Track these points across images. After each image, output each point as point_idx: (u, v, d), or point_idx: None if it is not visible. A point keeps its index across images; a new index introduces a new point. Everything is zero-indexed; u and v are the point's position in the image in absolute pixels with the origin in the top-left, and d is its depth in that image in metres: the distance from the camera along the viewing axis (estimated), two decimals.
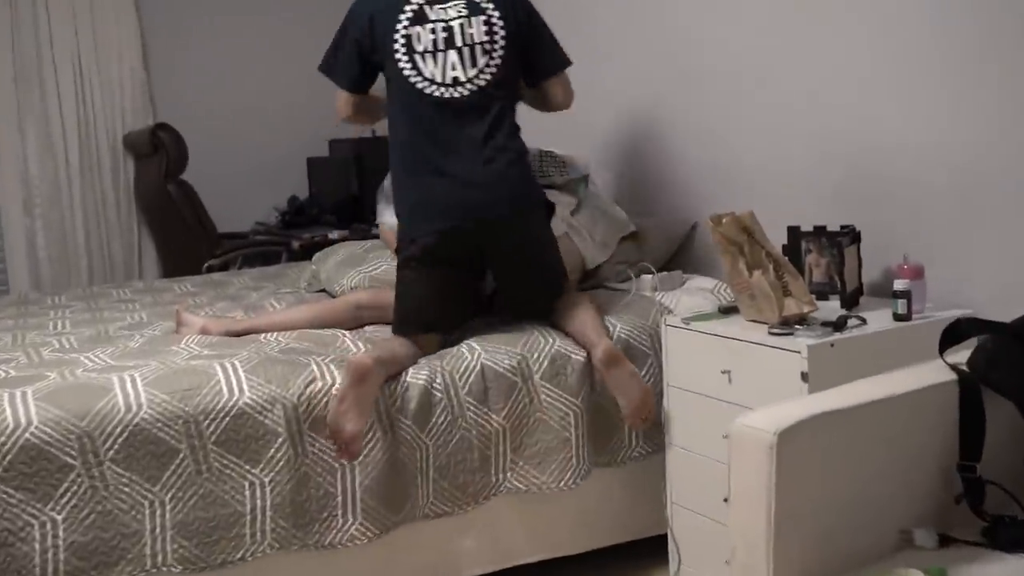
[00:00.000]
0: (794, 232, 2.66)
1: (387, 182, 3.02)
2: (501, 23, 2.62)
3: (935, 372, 1.73)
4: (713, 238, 2.41)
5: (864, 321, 2.32)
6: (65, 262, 4.83)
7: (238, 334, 2.74)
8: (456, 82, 2.57)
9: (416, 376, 2.44)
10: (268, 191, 5.23)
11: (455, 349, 2.57)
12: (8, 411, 2.10)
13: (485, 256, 2.65)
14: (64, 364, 2.42)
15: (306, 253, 4.47)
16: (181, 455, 2.17)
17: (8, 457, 2.06)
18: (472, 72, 2.57)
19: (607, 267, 3.10)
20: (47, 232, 4.78)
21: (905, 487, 1.67)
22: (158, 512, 2.15)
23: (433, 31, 2.57)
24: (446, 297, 2.63)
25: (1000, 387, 1.67)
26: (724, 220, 2.38)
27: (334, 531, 2.31)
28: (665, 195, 3.39)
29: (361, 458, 2.32)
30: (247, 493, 2.22)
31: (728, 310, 2.56)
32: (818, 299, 2.45)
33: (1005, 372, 1.67)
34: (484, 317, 2.75)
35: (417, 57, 2.56)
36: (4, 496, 2.05)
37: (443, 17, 2.59)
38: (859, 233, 2.57)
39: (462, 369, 2.49)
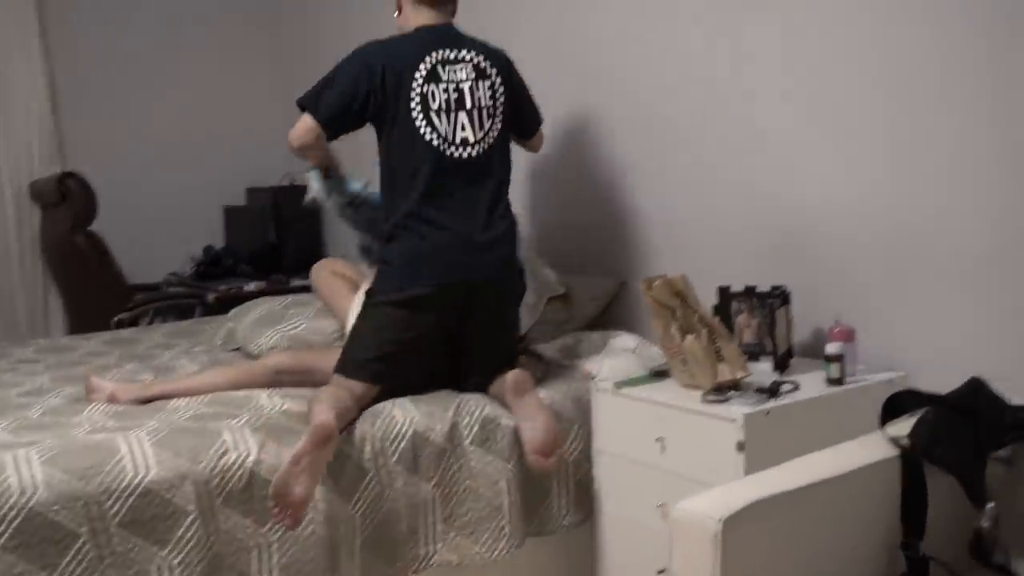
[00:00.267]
0: (724, 292, 2.62)
1: None
2: (502, 88, 2.71)
3: (877, 447, 1.68)
4: (646, 301, 2.35)
5: (797, 386, 2.28)
6: None
7: (148, 400, 2.60)
8: (465, 143, 2.61)
9: (345, 444, 2.31)
10: (182, 240, 5.04)
11: (384, 410, 2.46)
12: None
13: (469, 316, 2.59)
14: None
15: (222, 306, 4.31)
16: (81, 540, 2.01)
17: None
18: (480, 134, 2.63)
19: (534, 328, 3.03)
20: None
21: (849, 568, 1.62)
22: None
23: (446, 91, 2.61)
24: (413, 351, 2.56)
25: (943, 462, 1.64)
26: (656, 283, 2.33)
27: None
28: (592, 253, 3.34)
29: (279, 535, 2.19)
30: None
31: (660, 374, 2.50)
32: (749, 359, 2.42)
33: (947, 447, 1.64)
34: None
35: (432, 115, 2.59)
36: None
37: (454, 79, 2.63)
38: (789, 294, 2.54)
39: (392, 435, 2.39)
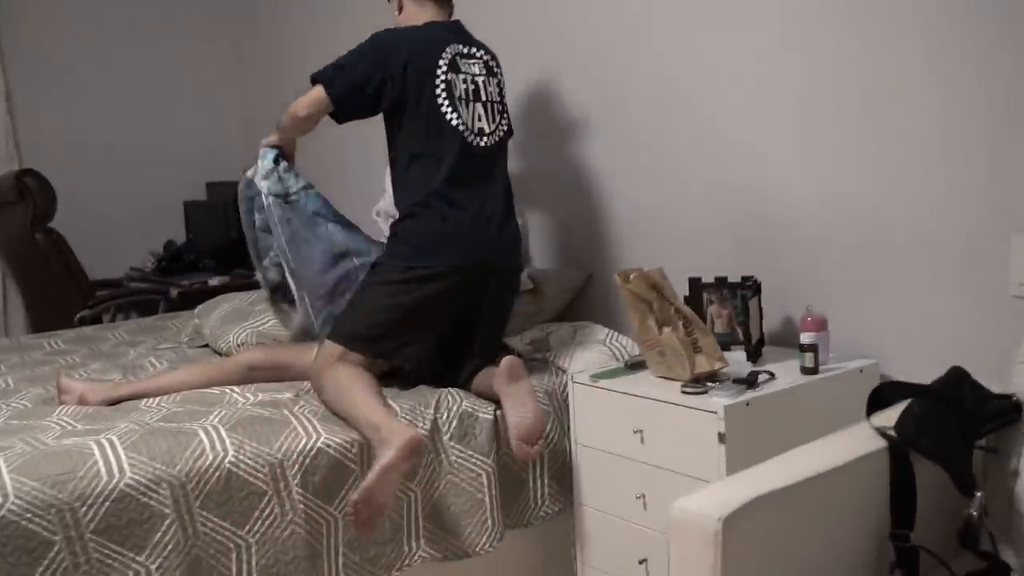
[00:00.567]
0: (695, 283, 2.62)
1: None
2: (503, 89, 2.80)
3: (864, 439, 1.69)
4: (623, 295, 2.34)
5: (773, 375, 2.29)
6: None
7: (119, 400, 2.55)
8: (482, 133, 2.66)
9: (328, 443, 2.29)
10: (143, 236, 4.97)
11: None
12: None
13: (480, 298, 2.61)
14: None
15: (185, 301, 4.26)
16: (56, 548, 1.96)
17: None
18: (492, 127, 2.69)
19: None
20: None
21: (841, 561, 1.62)
22: None
23: (465, 81, 2.65)
24: (422, 327, 2.56)
25: (930, 453, 1.65)
26: (632, 276, 2.32)
27: None
28: (559, 246, 3.33)
29: (258, 536, 2.16)
30: None
31: (635, 366, 2.50)
32: (721, 349, 2.42)
33: (933, 437, 1.65)
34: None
35: (456, 102, 2.62)
36: None
37: (470, 71, 2.68)
38: (760, 284, 2.55)
39: None
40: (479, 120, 2.65)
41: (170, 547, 2.07)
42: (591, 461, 2.46)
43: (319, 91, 2.62)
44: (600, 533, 2.46)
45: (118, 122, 5.00)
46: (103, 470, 2.05)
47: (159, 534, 2.06)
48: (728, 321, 2.58)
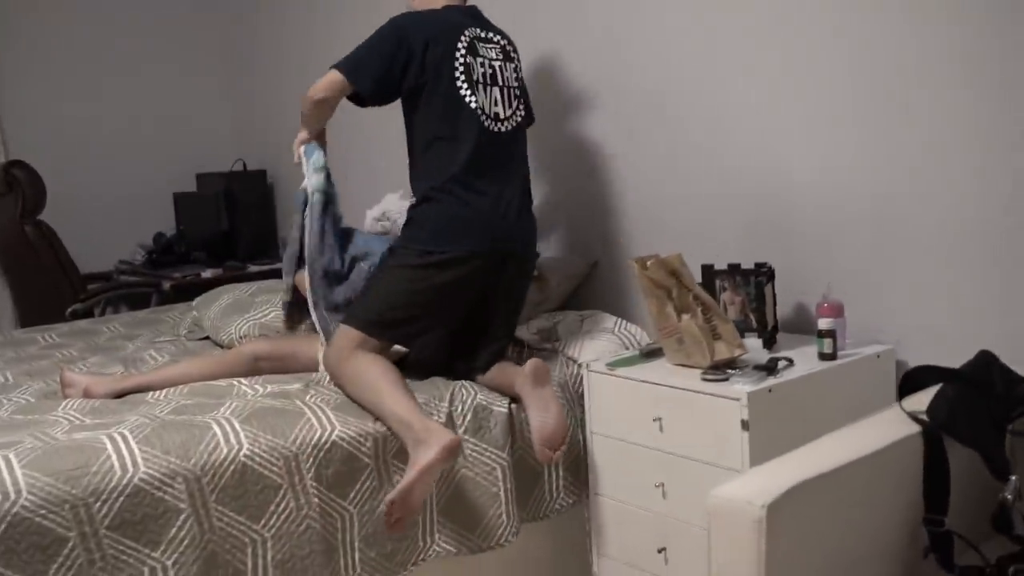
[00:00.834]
0: (708, 270, 2.61)
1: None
2: (520, 74, 2.77)
3: (897, 424, 1.68)
4: (640, 282, 2.32)
5: (791, 362, 2.27)
6: None
7: (124, 393, 2.51)
8: (498, 117, 2.63)
9: (342, 436, 2.25)
10: (131, 228, 4.88)
11: None
12: None
13: (496, 284, 2.59)
14: None
15: (178, 294, 4.20)
16: (70, 545, 1.91)
17: None
18: (509, 112, 2.66)
19: None
20: None
21: (875, 546, 1.61)
22: None
23: (483, 65, 2.62)
24: (440, 313, 2.54)
25: (963, 437, 1.64)
26: (650, 263, 2.30)
27: None
28: (563, 233, 3.31)
29: (273, 531, 2.13)
30: None
31: (650, 353, 2.48)
32: None
33: (967, 422, 1.64)
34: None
35: (474, 84, 2.60)
36: None
37: (488, 56, 2.65)
38: (774, 270, 2.53)
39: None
40: (495, 104, 2.62)
41: (186, 542, 2.03)
42: (607, 450, 2.44)
43: (333, 74, 2.57)
44: (616, 523, 2.44)
45: (105, 112, 4.90)
46: (116, 465, 2.01)
47: (174, 529, 2.02)
48: (741, 308, 2.57)
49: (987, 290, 2.23)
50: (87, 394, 2.49)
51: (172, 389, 2.52)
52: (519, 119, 2.70)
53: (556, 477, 2.54)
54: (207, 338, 3.24)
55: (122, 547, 1.97)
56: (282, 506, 2.15)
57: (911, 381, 1.77)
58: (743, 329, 2.55)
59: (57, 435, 2.13)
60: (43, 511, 1.91)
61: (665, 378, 2.28)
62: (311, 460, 2.20)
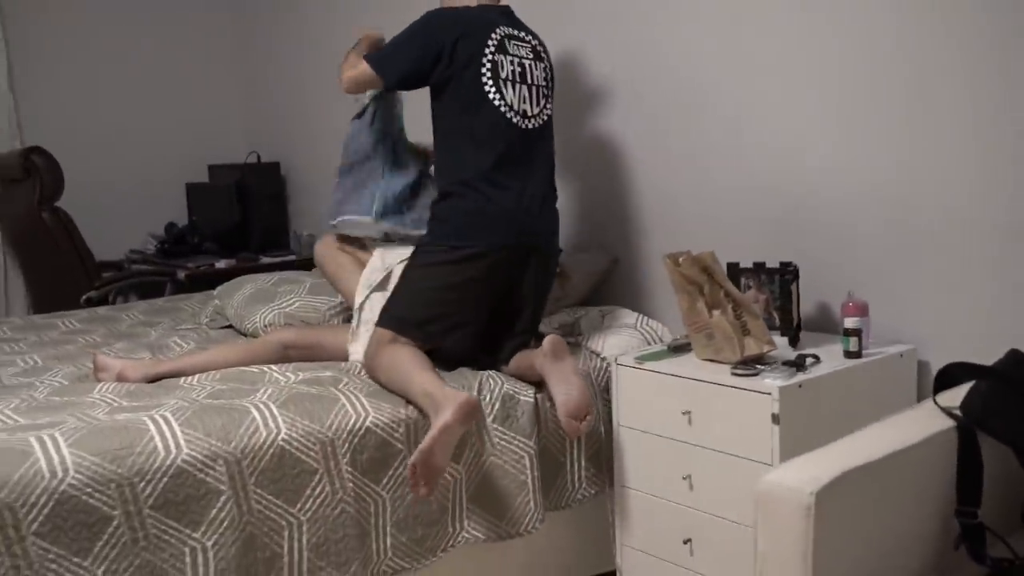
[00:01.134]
0: (733, 268, 2.65)
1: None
2: (550, 74, 2.82)
3: (931, 418, 1.72)
4: (672, 278, 2.36)
5: (818, 359, 2.32)
6: None
7: (158, 378, 2.54)
8: (525, 114, 2.67)
9: (376, 422, 2.29)
10: (142, 218, 4.90)
11: None
12: None
13: (521, 279, 2.63)
14: None
15: (192, 284, 4.23)
16: (115, 523, 1.95)
17: None
18: (536, 109, 2.71)
19: None
20: None
21: (910, 536, 1.66)
22: None
23: (512, 63, 2.67)
24: (465, 309, 2.58)
25: (997, 433, 1.68)
26: (682, 260, 2.34)
27: None
28: (584, 229, 3.34)
29: (309, 515, 2.16)
30: (188, 560, 2.02)
31: (678, 348, 2.53)
32: None
33: (1001, 417, 1.69)
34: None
35: (501, 83, 2.63)
36: None
37: (518, 54, 2.70)
38: (798, 269, 2.58)
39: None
40: (524, 102, 2.66)
41: (225, 524, 2.06)
42: (634, 442, 2.48)
43: (364, 66, 2.67)
44: (642, 514, 2.48)
45: (119, 102, 4.92)
46: (160, 446, 2.05)
47: (215, 510, 2.06)
48: (766, 306, 2.61)
49: (1010, 290, 2.27)
50: (121, 378, 2.52)
51: (204, 375, 2.55)
52: (546, 117, 2.75)
53: (579, 467, 2.58)
54: (229, 326, 3.27)
55: (164, 527, 2.01)
56: (318, 490, 2.19)
57: (945, 377, 1.81)
58: (767, 327, 2.59)
59: (99, 416, 2.16)
60: (89, 489, 1.94)
61: (695, 372, 2.32)
62: (346, 445, 2.23)
